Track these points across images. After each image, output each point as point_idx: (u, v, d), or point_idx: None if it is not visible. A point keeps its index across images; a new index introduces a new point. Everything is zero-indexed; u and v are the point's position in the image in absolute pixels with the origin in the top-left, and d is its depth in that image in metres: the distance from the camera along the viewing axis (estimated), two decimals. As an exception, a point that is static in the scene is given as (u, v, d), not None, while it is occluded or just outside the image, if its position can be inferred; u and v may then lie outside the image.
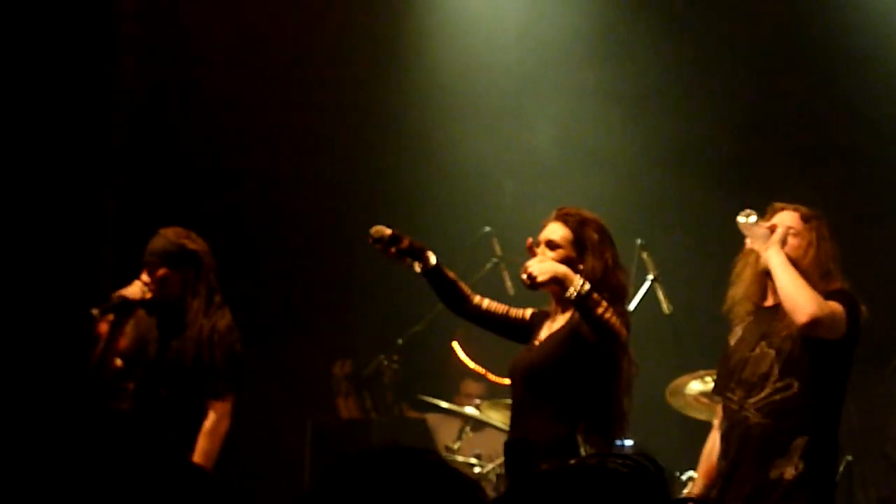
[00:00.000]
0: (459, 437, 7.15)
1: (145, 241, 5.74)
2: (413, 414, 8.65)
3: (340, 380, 8.12)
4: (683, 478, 6.42)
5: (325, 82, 8.49)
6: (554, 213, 4.90)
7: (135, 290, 5.71)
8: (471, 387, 8.18)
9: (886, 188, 8.05)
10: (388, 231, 4.90)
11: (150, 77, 8.15)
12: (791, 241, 5.01)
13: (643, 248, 6.32)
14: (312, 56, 8.53)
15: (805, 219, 5.09)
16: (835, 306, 4.92)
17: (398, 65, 8.66)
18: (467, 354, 8.09)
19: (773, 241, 4.97)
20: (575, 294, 4.54)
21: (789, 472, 4.93)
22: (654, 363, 6.48)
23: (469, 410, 6.96)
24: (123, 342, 5.80)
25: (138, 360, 5.76)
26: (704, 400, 6.46)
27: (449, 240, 7.89)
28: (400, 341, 7.12)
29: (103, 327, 5.75)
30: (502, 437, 6.92)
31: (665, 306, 6.27)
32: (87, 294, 6.62)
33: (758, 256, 5.04)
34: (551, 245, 4.82)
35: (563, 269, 4.62)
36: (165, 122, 8.20)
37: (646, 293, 6.24)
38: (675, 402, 6.50)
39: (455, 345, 8.22)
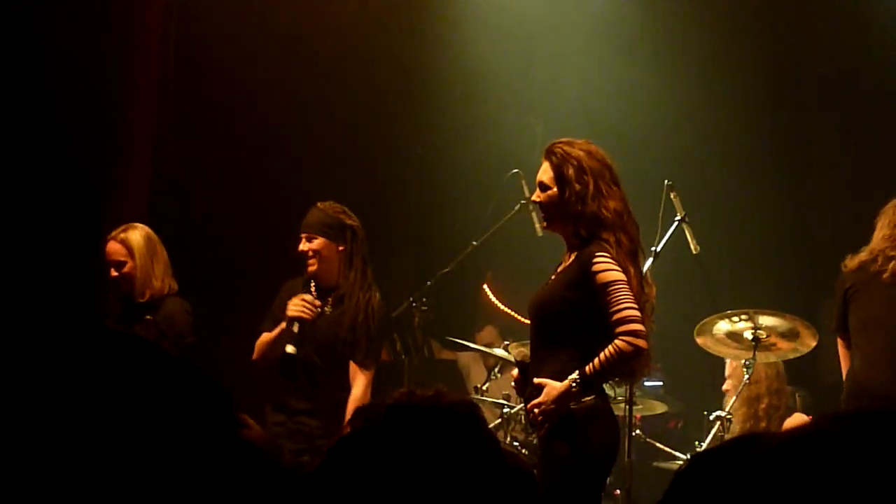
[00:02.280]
0: (489, 379, 7.20)
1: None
2: (445, 355, 8.70)
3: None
4: (711, 417, 6.45)
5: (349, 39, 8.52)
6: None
7: (298, 308, 5.91)
8: (486, 335, 8.22)
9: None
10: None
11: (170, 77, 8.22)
12: None
13: (671, 188, 6.29)
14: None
15: None
16: None
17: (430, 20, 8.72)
18: (497, 296, 8.12)
19: None
20: (579, 387, 4.62)
21: None
22: (683, 303, 6.50)
23: (498, 352, 7.00)
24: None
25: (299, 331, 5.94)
26: (731, 340, 6.49)
27: (480, 181, 7.92)
28: (429, 283, 7.13)
29: None
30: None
31: (693, 246, 6.26)
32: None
33: None
34: (541, 186, 4.89)
35: (557, 396, 4.63)
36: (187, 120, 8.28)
37: (673, 233, 6.22)
38: (702, 341, 6.52)
39: (485, 287, 8.25)
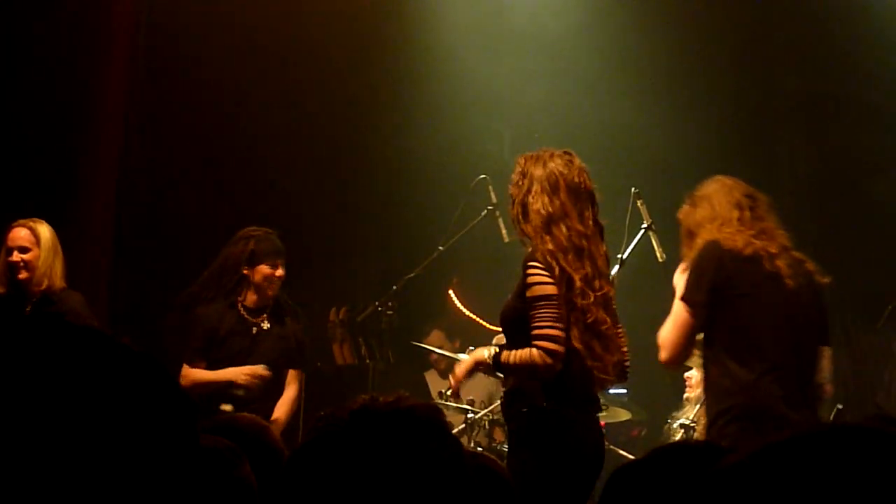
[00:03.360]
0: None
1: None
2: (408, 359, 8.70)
3: (336, 326, 8.16)
4: (675, 425, 6.46)
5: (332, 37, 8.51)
6: None
7: (249, 381, 6.28)
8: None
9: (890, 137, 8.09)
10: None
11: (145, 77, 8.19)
12: None
13: (637, 196, 6.31)
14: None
15: None
16: None
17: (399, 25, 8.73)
18: (462, 302, 8.11)
19: None
20: (488, 365, 4.83)
21: None
22: (648, 311, 6.50)
23: (462, 357, 6.99)
24: None
25: None
26: (695, 349, 6.49)
27: (447, 186, 7.92)
28: (395, 287, 7.12)
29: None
30: (494, 384, 6.98)
31: (659, 254, 6.27)
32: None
33: None
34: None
35: (469, 362, 4.94)
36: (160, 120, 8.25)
37: (639, 241, 6.24)
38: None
39: (451, 293, 8.24)
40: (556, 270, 4.71)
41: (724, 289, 5.02)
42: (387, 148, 8.68)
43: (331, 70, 8.59)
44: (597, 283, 4.81)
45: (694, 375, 6.83)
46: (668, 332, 5.14)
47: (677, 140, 8.36)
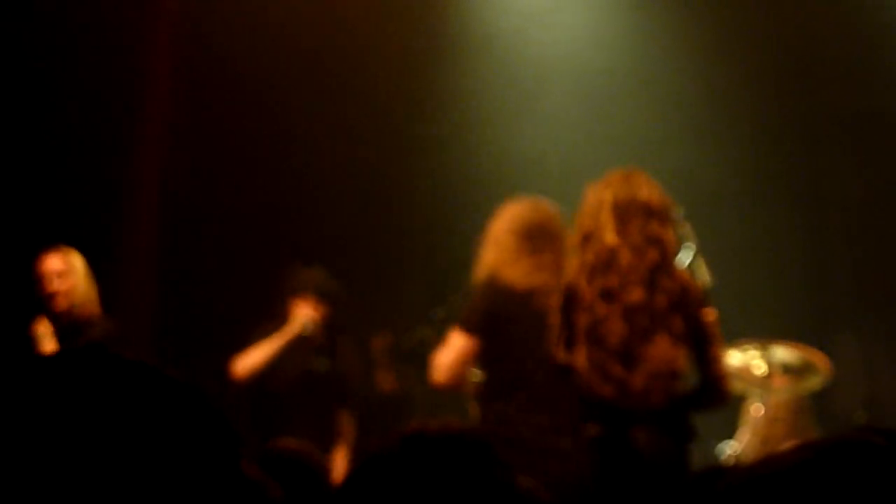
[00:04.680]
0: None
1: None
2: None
3: (381, 353, 8.12)
4: (723, 457, 6.35)
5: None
6: None
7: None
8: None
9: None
10: None
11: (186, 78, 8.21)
12: None
13: (682, 218, 6.25)
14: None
15: None
16: None
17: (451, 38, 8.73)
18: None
19: None
20: None
21: None
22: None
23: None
24: None
25: None
26: (743, 373, 6.41)
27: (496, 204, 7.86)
28: (441, 313, 7.08)
29: None
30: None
31: (704, 277, 6.20)
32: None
33: None
34: None
35: None
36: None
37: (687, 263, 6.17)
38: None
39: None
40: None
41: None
42: (433, 163, 8.63)
43: (376, 82, 8.55)
44: (596, 307, 4.74)
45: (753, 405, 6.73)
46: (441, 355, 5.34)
47: (721, 164, 8.28)
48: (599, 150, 8.12)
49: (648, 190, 4.88)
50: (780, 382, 6.37)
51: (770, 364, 6.32)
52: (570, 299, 4.70)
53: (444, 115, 8.75)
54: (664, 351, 4.67)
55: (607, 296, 4.66)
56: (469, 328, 5.25)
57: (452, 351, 5.31)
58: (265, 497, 2.28)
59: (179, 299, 7.94)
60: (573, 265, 4.78)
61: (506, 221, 5.39)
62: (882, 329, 7.93)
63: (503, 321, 5.20)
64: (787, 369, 6.38)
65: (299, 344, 6.38)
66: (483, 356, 5.32)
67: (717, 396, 4.83)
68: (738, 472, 1.26)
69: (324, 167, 8.53)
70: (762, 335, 6.56)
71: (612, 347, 4.63)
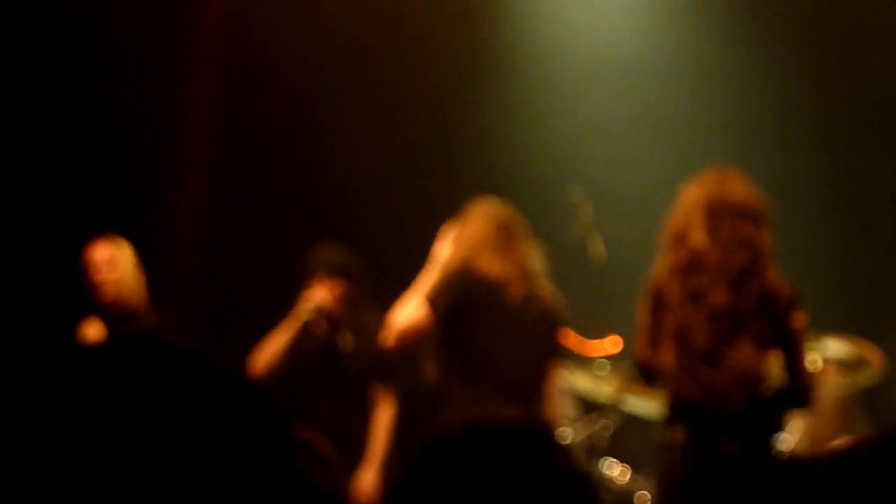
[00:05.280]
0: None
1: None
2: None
3: (426, 343, 8.08)
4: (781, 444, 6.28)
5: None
6: None
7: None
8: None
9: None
10: None
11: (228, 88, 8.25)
12: None
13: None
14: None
15: None
16: None
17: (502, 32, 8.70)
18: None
19: None
20: None
21: None
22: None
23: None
24: None
25: None
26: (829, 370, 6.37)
27: (539, 200, 7.84)
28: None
29: None
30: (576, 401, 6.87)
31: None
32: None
33: None
34: None
35: None
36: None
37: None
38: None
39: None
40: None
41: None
42: (477, 162, 8.60)
43: (422, 82, 8.57)
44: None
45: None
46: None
47: (768, 164, 8.22)
48: (644, 148, 8.11)
49: (742, 190, 4.85)
50: (833, 376, 6.28)
51: (823, 358, 6.23)
52: (658, 299, 4.73)
53: (489, 114, 8.72)
54: (745, 355, 4.67)
55: (694, 297, 4.67)
56: (435, 308, 5.39)
57: (412, 318, 5.46)
58: (317, 458, 2.29)
59: (226, 291, 7.97)
60: (663, 264, 4.79)
61: (480, 216, 5.56)
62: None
63: (474, 307, 5.32)
64: (841, 363, 6.29)
65: (314, 327, 6.38)
66: (452, 341, 5.47)
67: (802, 401, 4.90)
68: (799, 468, 1.28)
69: (368, 166, 8.53)
70: (815, 329, 6.47)
71: (698, 350, 4.64)
